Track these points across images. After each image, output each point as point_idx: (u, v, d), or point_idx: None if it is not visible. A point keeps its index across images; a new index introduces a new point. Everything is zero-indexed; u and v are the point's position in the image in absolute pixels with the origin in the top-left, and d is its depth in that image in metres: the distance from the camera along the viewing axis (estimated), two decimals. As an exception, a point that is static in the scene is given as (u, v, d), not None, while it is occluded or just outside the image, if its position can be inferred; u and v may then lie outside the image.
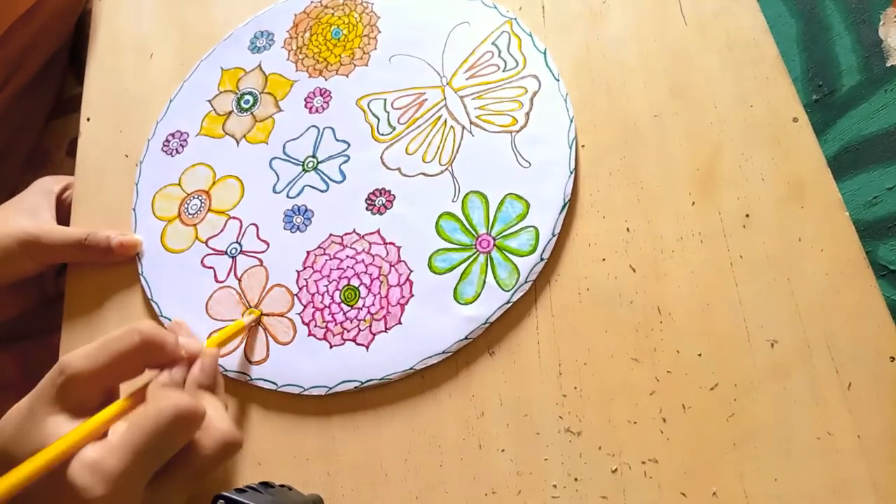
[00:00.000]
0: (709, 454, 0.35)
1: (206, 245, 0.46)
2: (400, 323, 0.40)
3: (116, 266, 0.47)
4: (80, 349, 0.34)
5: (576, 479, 0.35)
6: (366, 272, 0.42)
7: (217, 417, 0.34)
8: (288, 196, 0.45)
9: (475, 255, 0.40)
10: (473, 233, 0.41)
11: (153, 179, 0.49)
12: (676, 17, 0.44)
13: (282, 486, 0.35)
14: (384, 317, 0.40)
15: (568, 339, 0.38)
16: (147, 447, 0.31)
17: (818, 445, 0.34)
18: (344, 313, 0.41)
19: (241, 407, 0.41)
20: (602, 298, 0.39)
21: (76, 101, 0.56)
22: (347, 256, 0.42)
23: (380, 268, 0.42)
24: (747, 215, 0.38)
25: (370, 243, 0.42)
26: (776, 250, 0.37)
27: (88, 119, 0.53)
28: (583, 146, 0.42)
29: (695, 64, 0.43)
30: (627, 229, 0.40)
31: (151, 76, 0.53)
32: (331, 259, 0.43)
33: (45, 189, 0.50)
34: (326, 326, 0.41)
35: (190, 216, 0.47)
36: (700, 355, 0.36)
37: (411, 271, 0.41)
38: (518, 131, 0.43)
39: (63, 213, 0.51)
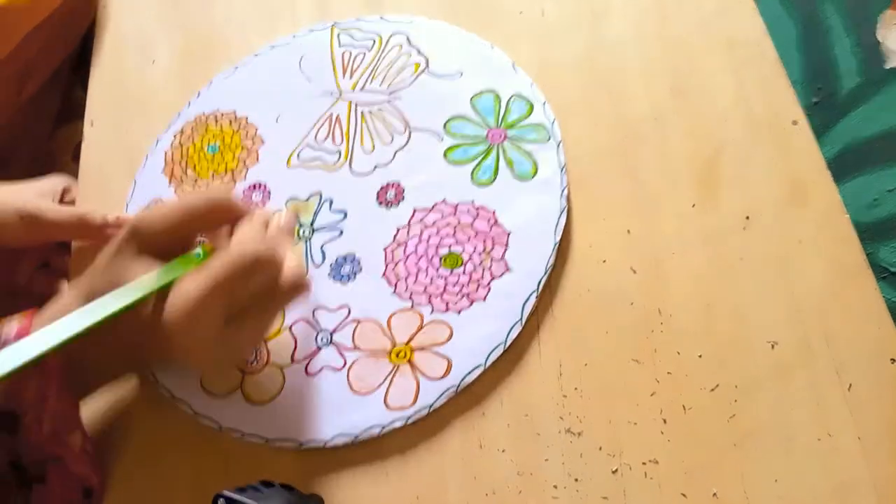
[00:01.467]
0: (709, 455, 0.35)
1: (295, 362, 0.41)
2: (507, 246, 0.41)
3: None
4: (153, 210, 0.37)
5: (576, 480, 0.35)
6: (449, 235, 0.42)
7: (289, 259, 0.37)
8: (316, 266, 0.43)
9: (491, 147, 0.43)
10: (483, 126, 0.44)
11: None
12: (677, 19, 0.44)
13: (282, 485, 0.35)
14: (492, 250, 0.41)
15: (569, 340, 0.38)
16: (226, 281, 0.34)
17: (819, 446, 0.34)
18: (452, 279, 0.41)
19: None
20: (603, 299, 0.39)
21: (83, 107, 0.56)
22: (418, 242, 0.42)
23: (448, 223, 0.42)
24: (748, 217, 0.39)
25: (421, 219, 0.43)
26: (776, 252, 0.37)
27: (92, 124, 0.54)
28: (581, 145, 0.43)
29: (695, 66, 0.43)
30: (628, 231, 0.40)
31: (154, 81, 0.54)
32: (406, 257, 0.42)
33: (51, 183, 0.51)
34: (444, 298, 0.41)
35: None
36: (701, 356, 0.36)
37: (472, 199, 0.42)
38: (427, 67, 0.47)
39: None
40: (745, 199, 0.39)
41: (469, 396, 0.38)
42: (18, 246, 0.48)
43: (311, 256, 0.44)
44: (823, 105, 0.41)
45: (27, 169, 0.63)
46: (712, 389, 0.36)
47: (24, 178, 0.62)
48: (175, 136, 0.50)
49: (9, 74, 0.58)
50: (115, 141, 0.52)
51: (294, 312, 0.42)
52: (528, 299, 0.39)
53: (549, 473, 0.36)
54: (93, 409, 0.41)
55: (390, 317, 0.41)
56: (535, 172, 0.42)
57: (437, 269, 0.41)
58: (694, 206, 0.40)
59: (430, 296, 0.40)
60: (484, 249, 0.41)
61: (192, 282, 0.34)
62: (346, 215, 0.44)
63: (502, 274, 0.40)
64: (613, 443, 0.36)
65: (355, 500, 0.37)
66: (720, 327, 0.37)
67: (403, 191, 0.44)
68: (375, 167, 0.45)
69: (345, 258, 0.43)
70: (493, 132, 0.43)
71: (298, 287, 0.36)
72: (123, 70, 0.55)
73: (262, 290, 0.36)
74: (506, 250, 0.40)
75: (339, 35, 0.50)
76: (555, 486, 0.36)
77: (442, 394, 0.38)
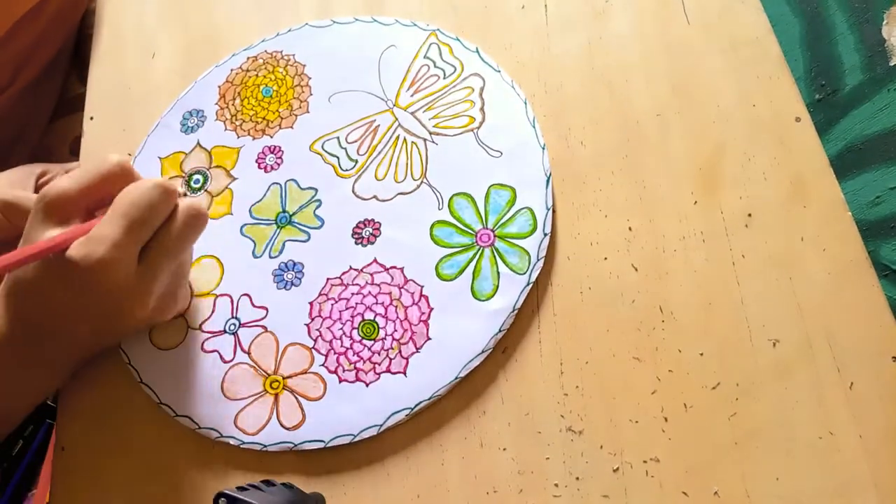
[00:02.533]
0: (710, 453, 0.35)
1: (202, 331, 0.43)
2: (429, 339, 0.39)
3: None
4: (62, 177, 0.38)
5: (577, 478, 0.35)
6: (377, 302, 0.41)
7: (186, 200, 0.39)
8: (270, 256, 0.44)
9: (480, 251, 0.40)
10: (471, 231, 0.41)
11: None
12: (679, 15, 0.44)
13: (283, 484, 0.35)
14: (411, 338, 0.40)
15: (569, 338, 0.38)
16: (135, 215, 0.35)
17: (820, 445, 0.34)
18: (369, 348, 0.40)
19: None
20: (604, 297, 0.39)
21: (80, 100, 0.56)
22: (353, 294, 0.41)
23: (389, 294, 0.41)
24: (749, 215, 0.38)
25: (371, 274, 0.42)
26: (778, 250, 0.37)
27: (92, 118, 0.53)
28: (583, 147, 0.42)
29: (697, 63, 0.43)
30: (629, 228, 0.40)
31: (154, 75, 0.54)
32: (336, 301, 0.41)
33: (27, 170, 0.51)
34: (356, 367, 0.40)
35: None
36: (702, 354, 0.36)
37: (422, 286, 0.41)
38: (479, 127, 0.44)
39: None
40: (746, 196, 0.39)
41: (469, 395, 0.38)
42: (2, 238, 0.48)
43: (271, 247, 0.44)
44: (826, 102, 0.41)
45: (24, 162, 0.62)
46: (713, 388, 0.36)
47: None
48: (234, 70, 0.51)
49: (1, 62, 0.58)
50: (115, 136, 0.52)
51: (227, 285, 0.44)
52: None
53: (550, 472, 0.36)
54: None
55: (286, 347, 0.41)
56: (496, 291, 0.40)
57: (351, 334, 0.41)
58: (696, 203, 0.39)
59: (337, 355, 0.40)
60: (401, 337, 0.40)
61: (103, 227, 0.35)
62: (322, 226, 0.44)
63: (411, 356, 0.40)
64: (614, 441, 0.36)
65: (356, 498, 0.37)
66: (721, 325, 0.37)
67: (378, 236, 0.43)
68: (373, 197, 0.44)
69: (294, 266, 0.43)
70: (483, 232, 0.41)
71: (197, 215, 0.38)
72: (123, 64, 0.55)
73: (164, 218, 0.37)
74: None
75: (431, 45, 0.47)
76: (556, 485, 0.36)
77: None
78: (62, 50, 0.64)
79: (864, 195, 0.39)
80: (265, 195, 0.46)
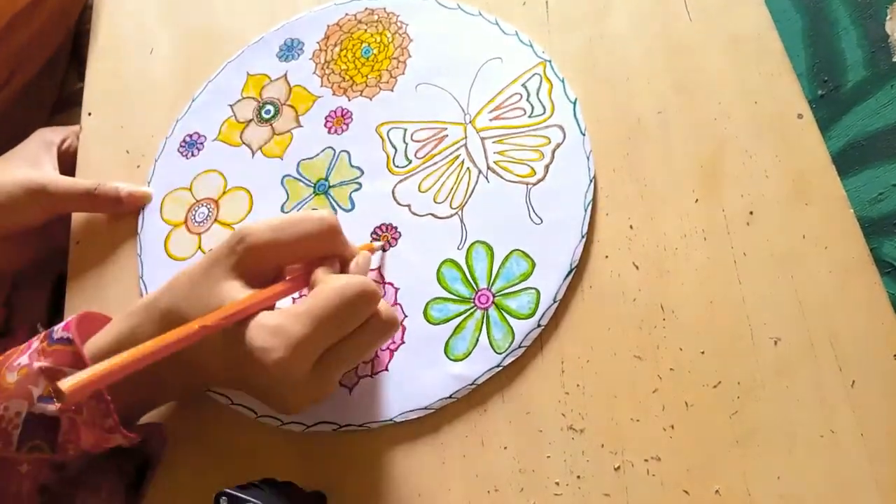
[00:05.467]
0: (712, 452, 0.34)
1: None
2: (386, 370, 0.39)
3: (116, 265, 0.47)
4: (264, 221, 0.35)
5: (578, 477, 0.35)
6: None
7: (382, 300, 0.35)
8: None
9: (472, 310, 0.39)
10: (474, 286, 0.40)
11: (166, 180, 0.49)
12: (681, 12, 0.44)
13: (284, 482, 0.35)
14: (371, 360, 0.39)
15: (570, 337, 0.38)
16: (331, 318, 0.31)
17: (821, 443, 0.34)
18: None
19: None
20: (605, 296, 0.39)
21: (78, 96, 0.56)
22: None
23: None
24: (751, 212, 0.38)
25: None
26: (780, 247, 0.37)
27: (90, 114, 0.53)
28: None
29: (699, 60, 0.42)
30: (631, 226, 0.40)
31: (152, 71, 0.53)
32: None
33: (45, 140, 0.50)
34: None
35: (196, 224, 0.46)
36: (703, 353, 0.36)
37: (405, 317, 0.40)
38: (535, 184, 0.41)
39: (66, 163, 0.50)
40: (748, 193, 0.39)
41: (470, 393, 0.38)
42: (34, 225, 0.47)
43: (298, 208, 0.45)
44: (829, 99, 0.41)
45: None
46: (715, 386, 0.36)
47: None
48: (348, 15, 0.49)
49: None
50: (113, 132, 0.52)
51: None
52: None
53: (551, 471, 0.36)
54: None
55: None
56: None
57: None
58: (697, 201, 0.39)
59: None
60: None
61: (293, 319, 0.31)
62: (351, 210, 0.44)
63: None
64: (615, 440, 0.36)
65: (357, 497, 0.37)
66: (723, 323, 0.37)
67: (392, 246, 0.42)
68: (407, 206, 0.43)
69: None
70: (484, 293, 0.39)
71: (392, 323, 0.34)
72: (121, 60, 0.55)
73: (355, 329, 0.33)
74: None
75: (534, 75, 0.44)
76: (557, 484, 0.36)
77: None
78: (60, 47, 0.64)
79: (867, 192, 0.38)
80: (317, 155, 0.46)
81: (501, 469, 0.36)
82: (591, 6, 0.46)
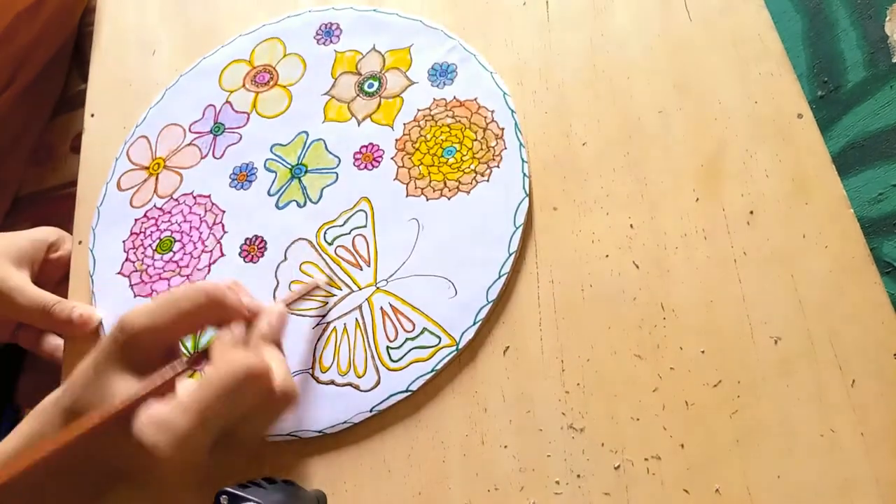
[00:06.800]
0: (712, 451, 0.34)
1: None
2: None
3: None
4: (142, 306, 0.34)
5: (578, 476, 0.35)
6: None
7: (278, 370, 0.34)
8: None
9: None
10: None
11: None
12: (681, 12, 0.44)
13: (284, 481, 0.35)
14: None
15: (571, 336, 0.38)
16: (217, 407, 0.31)
17: (821, 442, 0.33)
18: None
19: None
20: (605, 295, 0.39)
21: (80, 97, 0.56)
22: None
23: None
24: (751, 212, 0.38)
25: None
26: (780, 247, 0.37)
27: (92, 115, 0.53)
28: (584, 144, 0.42)
29: (699, 60, 0.42)
30: (631, 226, 0.40)
31: (155, 72, 0.53)
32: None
33: (36, 239, 0.50)
34: None
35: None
36: (703, 352, 0.36)
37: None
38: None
39: (48, 268, 0.50)
40: (748, 193, 0.39)
41: (470, 392, 0.38)
42: None
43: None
44: (829, 99, 0.41)
45: (25, 159, 0.62)
46: (715, 385, 0.36)
47: (22, 168, 0.62)
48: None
49: (1, 61, 0.58)
50: (116, 133, 0.52)
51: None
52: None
53: (552, 469, 0.36)
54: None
55: None
56: None
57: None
58: (697, 200, 0.39)
59: None
60: None
61: (180, 413, 0.31)
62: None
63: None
64: (616, 439, 0.36)
65: (357, 496, 0.37)
66: (723, 323, 0.37)
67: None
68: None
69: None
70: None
71: (289, 399, 0.34)
72: (124, 61, 0.55)
73: (249, 407, 0.33)
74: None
75: None
76: (557, 482, 0.36)
77: None
78: (62, 48, 0.64)
79: (867, 192, 0.38)
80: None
81: (502, 468, 0.36)
82: (592, 6, 0.46)
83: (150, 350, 0.34)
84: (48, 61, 0.62)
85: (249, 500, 0.31)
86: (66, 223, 0.51)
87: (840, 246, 0.37)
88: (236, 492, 0.32)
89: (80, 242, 0.49)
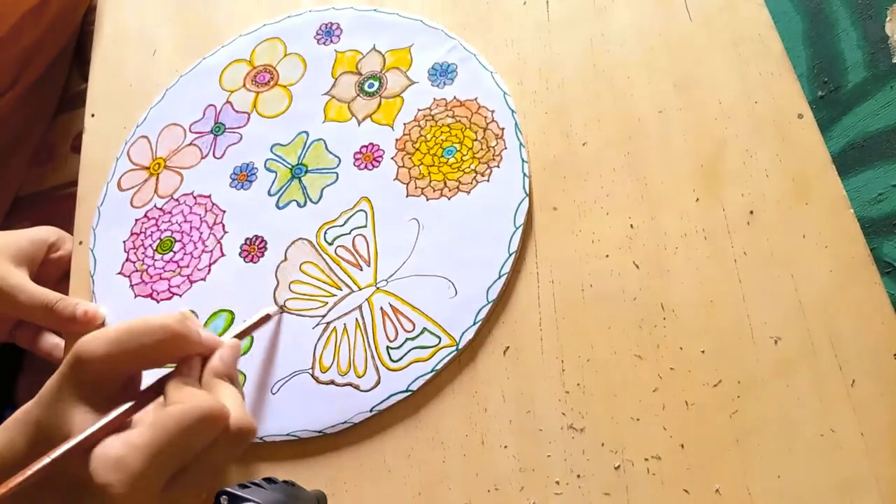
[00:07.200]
0: (712, 451, 0.34)
1: None
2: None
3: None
4: (101, 333, 0.33)
5: (578, 476, 0.35)
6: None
7: (233, 407, 0.33)
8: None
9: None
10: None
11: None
12: (681, 12, 0.44)
13: (285, 481, 0.35)
14: None
15: (571, 336, 0.38)
16: (171, 448, 0.30)
17: (821, 442, 0.33)
18: None
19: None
20: (605, 295, 0.39)
21: (81, 97, 0.56)
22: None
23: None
24: (751, 212, 0.38)
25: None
26: (780, 247, 0.37)
27: (93, 115, 0.53)
28: (584, 144, 0.42)
29: (699, 60, 0.42)
30: (631, 226, 0.40)
31: (155, 72, 0.54)
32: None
33: (37, 238, 0.50)
34: None
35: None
36: (703, 352, 0.36)
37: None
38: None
39: (48, 268, 0.50)
40: (748, 193, 0.39)
41: (470, 392, 0.38)
42: None
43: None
44: (829, 99, 0.41)
45: (27, 159, 0.62)
46: (715, 385, 0.36)
47: (23, 167, 0.62)
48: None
49: (5, 60, 0.58)
50: (116, 133, 0.52)
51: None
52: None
53: (552, 469, 0.36)
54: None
55: None
56: None
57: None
58: (697, 200, 0.39)
59: None
60: None
61: (134, 452, 0.30)
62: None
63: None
64: (616, 439, 0.36)
65: (357, 496, 0.37)
66: (723, 323, 0.37)
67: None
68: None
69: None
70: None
71: (245, 436, 0.33)
72: (125, 61, 0.55)
73: (204, 446, 0.32)
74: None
75: None
76: (557, 482, 0.36)
77: None
78: (64, 48, 0.64)
79: (867, 192, 0.38)
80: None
81: (502, 468, 0.36)
82: (592, 6, 0.46)
83: (107, 380, 0.33)
84: (50, 62, 0.62)
85: (249, 501, 0.31)
86: (67, 223, 0.51)
87: (840, 246, 0.37)
88: (236, 492, 0.32)
89: (80, 242, 0.49)
